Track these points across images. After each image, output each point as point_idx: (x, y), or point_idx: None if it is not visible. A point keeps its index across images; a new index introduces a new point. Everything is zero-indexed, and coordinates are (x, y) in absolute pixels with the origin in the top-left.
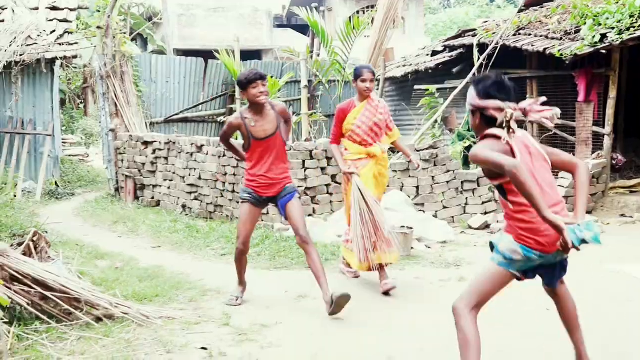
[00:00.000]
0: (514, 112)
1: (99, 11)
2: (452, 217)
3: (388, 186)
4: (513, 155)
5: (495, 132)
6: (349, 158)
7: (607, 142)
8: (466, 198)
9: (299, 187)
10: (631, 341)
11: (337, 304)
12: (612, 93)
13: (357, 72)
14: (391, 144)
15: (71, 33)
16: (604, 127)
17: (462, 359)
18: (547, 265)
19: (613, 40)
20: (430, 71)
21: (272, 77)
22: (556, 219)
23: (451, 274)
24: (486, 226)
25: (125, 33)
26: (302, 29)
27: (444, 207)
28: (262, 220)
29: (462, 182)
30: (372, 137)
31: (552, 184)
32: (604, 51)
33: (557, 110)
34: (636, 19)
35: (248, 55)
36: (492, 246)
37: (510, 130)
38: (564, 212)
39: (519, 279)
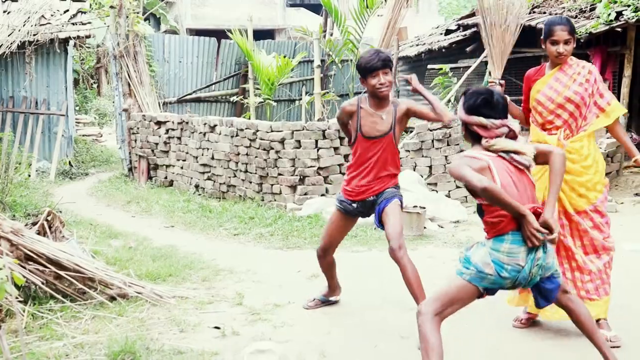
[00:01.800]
0: (495, 140)
1: None
2: (465, 196)
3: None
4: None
5: (475, 154)
6: None
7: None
8: None
9: (310, 167)
10: None
11: None
12: (627, 71)
13: (547, 29)
14: (607, 128)
15: (84, 12)
16: None
17: None
18: (523, 283)
19: (629, 18)
20: (443, 50)
21: (284, 56)
22: (523, 210)
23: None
24: None
25: (138, 12)
26: (315, 8)
27: (457, 187)
28: (275, 200)
29: None
30: (563, 118)
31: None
32: (619, 29)
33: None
34: None
35: (261, 34)
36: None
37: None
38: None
39: (480, 296)
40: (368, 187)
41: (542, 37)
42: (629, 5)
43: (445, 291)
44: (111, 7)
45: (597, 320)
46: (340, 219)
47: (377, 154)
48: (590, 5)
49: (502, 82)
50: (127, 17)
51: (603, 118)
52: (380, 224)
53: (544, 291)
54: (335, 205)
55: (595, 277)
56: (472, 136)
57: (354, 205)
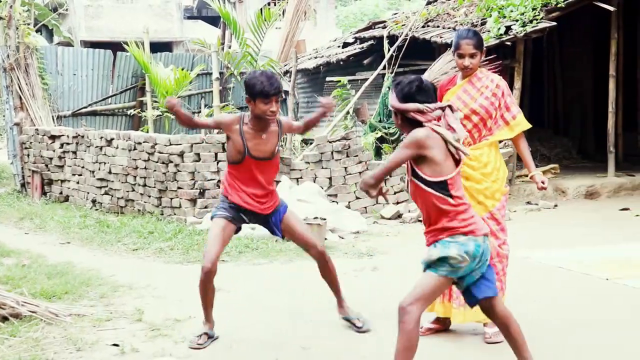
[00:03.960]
0: (433, 117)
1: (0, 1)
2: (365, 207)
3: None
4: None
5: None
6: None
7: None
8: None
9: (210, 180)
10: (542, 325)
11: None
12: (517, 84)
13: (454, 42)
14: (512, 141)
15: None
16: None
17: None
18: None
19: (517, 33)
20: (341, 63)
21: (182, 69)
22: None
23: (364, 263)
24: (398, 216)
25: (29, 24)
26: (213, 20)
27: (357, 198)
28: (175, 214)
29: None
30: (467, 128)
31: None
32: (508, 43)
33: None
34: (538, 12)
35: (158, 47)
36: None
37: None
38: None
39: (455, 283)
40: (259, 202)
41: (452, 49)
42: (517, 20)
43: (425, 289)
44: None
45: (485, 323)
46: (226, 228)
47: (264, 173)
48: (481, 20)
49: None
50: (17, 28)
51: (506, 131)
52: (282, 233)
53: (479, 286)
54: (218, 214)
55: None
56: (410, 123)
57: (243, 215)
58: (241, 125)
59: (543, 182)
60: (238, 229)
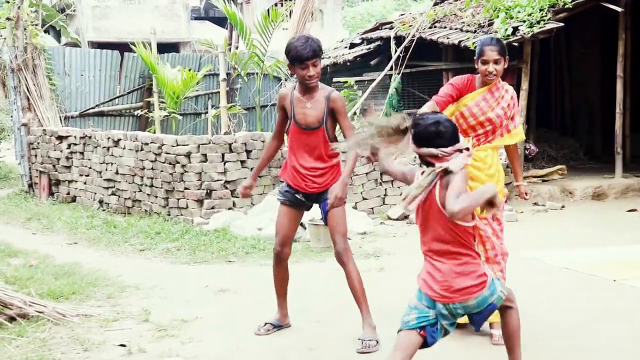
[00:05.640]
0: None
1: (8, 2)
2: (372, 208)
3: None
4: None
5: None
6: None
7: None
8: (385, 189)
9: (217, 180)
10: (549, 326)
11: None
12: (525, 85)
13: (478, 49)
14: (505, 148)
15: None
16: None
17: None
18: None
19: (524, 33)
20: (348, 64)
21: (190, 69)
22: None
23: (371, 264)
24: (405, 217)
25: (36, 25)
26: (220, 21)
27: (364, 199)
28: (182, 215)
29: (381, 174)
30: (478, 133)
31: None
32: (516, 44)
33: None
34: (546, 13)
35: (165, 47)
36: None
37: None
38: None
39: (423, 344)
40: (303, 178)
41: (474, 57)
42: (524, 21)
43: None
44: (7, 19)
45: (491, 324)
46: (287, 212)
47: (310, 145)
48: (489, 21)
49: None
50: (25, 29)
51: (507, 138)
52: (325, 219)
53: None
54: (278, 199)
55: None
56: (428, 165)
57: (297, 196)
58: (292, 93)
59: (526, 194)
60: (308, 207)
